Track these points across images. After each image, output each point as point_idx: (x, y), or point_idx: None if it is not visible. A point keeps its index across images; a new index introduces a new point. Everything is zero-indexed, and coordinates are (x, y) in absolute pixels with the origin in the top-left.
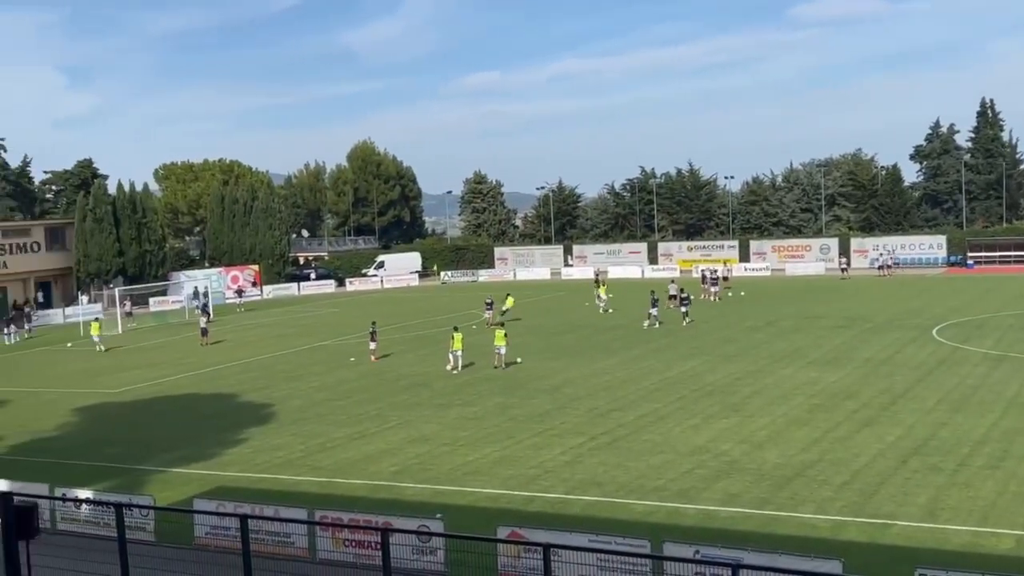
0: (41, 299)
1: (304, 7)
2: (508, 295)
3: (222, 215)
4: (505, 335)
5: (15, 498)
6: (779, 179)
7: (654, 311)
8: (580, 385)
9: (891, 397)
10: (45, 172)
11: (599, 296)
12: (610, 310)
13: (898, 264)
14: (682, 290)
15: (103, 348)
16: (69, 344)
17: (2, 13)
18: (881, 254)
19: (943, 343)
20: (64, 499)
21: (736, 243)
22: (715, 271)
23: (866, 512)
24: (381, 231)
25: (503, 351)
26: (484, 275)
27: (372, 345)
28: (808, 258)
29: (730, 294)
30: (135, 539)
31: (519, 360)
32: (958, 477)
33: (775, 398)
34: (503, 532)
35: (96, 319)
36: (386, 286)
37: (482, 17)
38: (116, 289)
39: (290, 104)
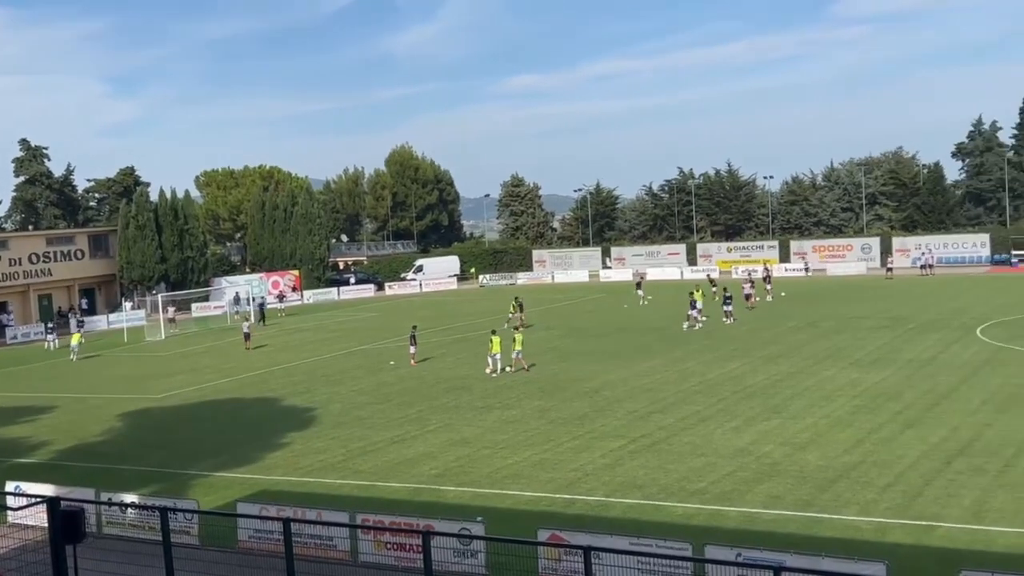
0: (85, 306)
1: (343, 15)
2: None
3: (262, 221)
4: (522, 339)
5: (62, 503)
6: (819, 178)
7: (694, 312)
8: (619, 388)
9: (935, 398)
10: (88, 180)
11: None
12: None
13: (931, 265)
14: (725, 289)
15: (76, 359)
16: (73, 358)
17: (43, 25)
18: (923, 253)
19: (987, 343)
20: (110, 503)
21: (776, 243)
22: (753, 271)
23: (910, 514)
24: (419, 235)
25: (519, 355)
26: (523, 278)
27: (412, 349)
28: (849, 258)
29: (769, 299)
30: (180, 543)
31: (534, 364)
32: (1004, 478)
33: (817, 400)
34: (544, 535)
35: (79, 332)
36: (425, 290)
37: (520, 20)
38: (159, 295)
39: (329, 110)
